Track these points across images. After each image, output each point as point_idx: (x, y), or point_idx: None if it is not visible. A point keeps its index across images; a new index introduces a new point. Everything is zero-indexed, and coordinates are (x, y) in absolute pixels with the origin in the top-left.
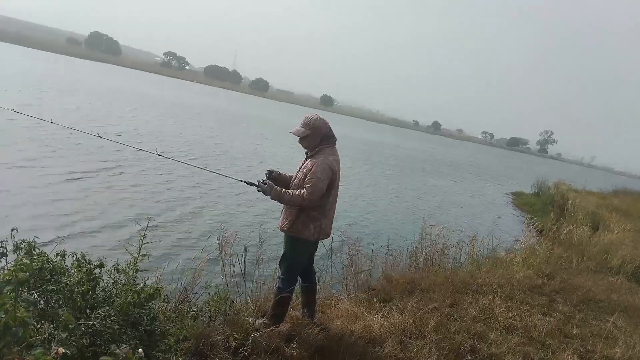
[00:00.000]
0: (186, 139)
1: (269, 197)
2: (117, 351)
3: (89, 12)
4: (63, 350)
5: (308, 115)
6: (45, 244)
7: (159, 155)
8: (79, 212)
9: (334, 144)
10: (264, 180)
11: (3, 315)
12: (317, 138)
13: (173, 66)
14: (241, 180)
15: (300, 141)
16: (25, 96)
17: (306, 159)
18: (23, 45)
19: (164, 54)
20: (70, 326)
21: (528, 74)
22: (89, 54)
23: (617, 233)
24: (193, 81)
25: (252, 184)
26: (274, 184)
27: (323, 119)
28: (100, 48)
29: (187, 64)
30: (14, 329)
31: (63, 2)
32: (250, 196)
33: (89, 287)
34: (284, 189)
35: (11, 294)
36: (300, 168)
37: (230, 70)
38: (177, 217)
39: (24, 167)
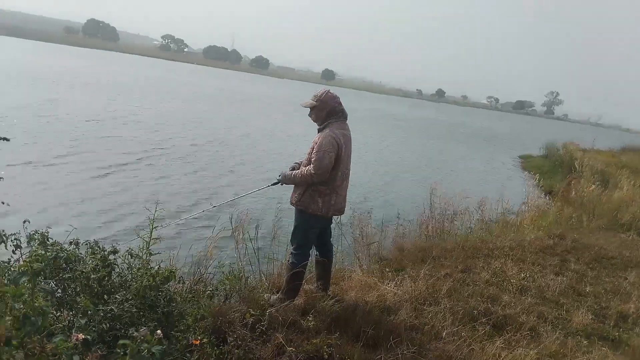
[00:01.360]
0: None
1: (285, 184)
2: (135, 334)
3: None
4: (83, 336)
5: (318, 90)
6: (58, 234)
7: (214, 206)
8: (90, 201)
9: (345, 119)
10: (279, 175)
11: (22, 306)
12: (323, 111)
13: (172, 49)
14: (269, 186)
15: (310, 114)
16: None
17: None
18: (21, 37)
19: (162, 37)
20: (88, 312)
21: (531, 34)
22: (86, 42)
23: (627, 190)
24: (193, 63)
25: (275, 184)
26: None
27: (332, 94)
28: (98, 35)
29: (186, 46)
30: (33, 318)
31: None
32: (260, 176)
33: (104, 273)
34: (294, 172)
35: (28, 284)
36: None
37: (229, 50)
38: (187, 199)
39: (35, 162)
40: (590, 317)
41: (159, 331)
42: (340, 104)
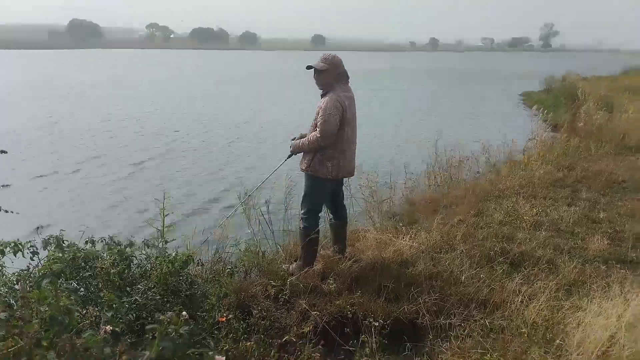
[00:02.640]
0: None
1: (296, 153)
2: (162, 317)
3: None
4: (111, 328)
5: (326, 52)
6: (73, 236)
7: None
8: (96, 197)
9: (347, 81)
10: (290, 147)
11: (47, 308)
12: (333, 74)
13: (158, 37)
14: (284, 161)
15: (316, 77)
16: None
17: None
18: (5, 48)
19: (146, 27)
20: (114, 305)
21: None
22: (71, 43)
23: (632, 112)
24: (183, 48)
25: (289, 157)
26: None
27: (339, 57)
28: (82, 35)
29: (172, 32)
30: (60, 318)
31: None
32: (262, 150)
33: (123, 266)
34: (301, 140)
35: (50, 286)
36: None
37: (215, 29)
38: (194, 183)
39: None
40: (606, 243)
41: (184, 312)
42: (344, 66)
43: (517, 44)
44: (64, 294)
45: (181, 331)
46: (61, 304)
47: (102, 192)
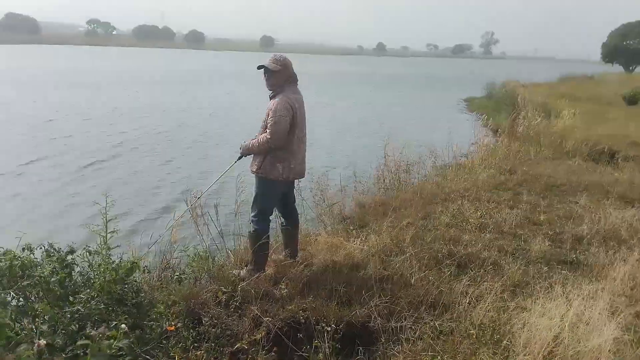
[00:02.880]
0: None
1: (245, 155)
2: (93, 333)
3: None
4: (45, 342)
5: (277, 54)
6: (8, 243)
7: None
8: (34, 203)
9: (296, 83)
10: (240, 148)
11: None
12: (284, 75)
13: (99, 34)
14: (235, 162)
15: (268, 78)
16: None
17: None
18: None
19: (87, 23)
20: (54, 316)
21: None
22: (7, 38)
23: (569, 118)
24: (125, 46)
25: (239, 158)
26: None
27: (289, 59)
28: (18, 29)
29: (114, 28)
30: None
31: None
32: (211, 152)
33: (64, 274)
34: (251, 142)
35: None
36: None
37: (160, 27)
38: (139, 188)
39: None
40: (547, 244)
41: (123, 325)
42: (293, 68)
43: (460, 51)
44: None
45: (120, 345)
46: None
47: (46, 197)
